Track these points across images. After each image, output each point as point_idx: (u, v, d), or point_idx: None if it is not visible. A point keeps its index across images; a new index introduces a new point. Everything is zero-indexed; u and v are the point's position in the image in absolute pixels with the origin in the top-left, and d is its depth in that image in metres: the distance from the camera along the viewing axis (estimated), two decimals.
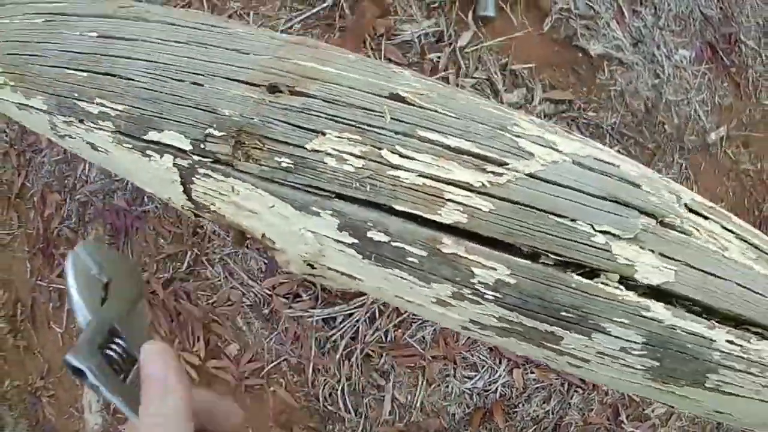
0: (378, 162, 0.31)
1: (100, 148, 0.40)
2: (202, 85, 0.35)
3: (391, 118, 0.32)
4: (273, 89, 0.33)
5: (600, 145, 0.39)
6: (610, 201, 0.36)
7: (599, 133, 1.05)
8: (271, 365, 1.06)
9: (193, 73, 0.36)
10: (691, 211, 0.40)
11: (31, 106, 0.43)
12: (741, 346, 0.31)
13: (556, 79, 1.06)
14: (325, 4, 1.08)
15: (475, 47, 1.04)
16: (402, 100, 0.33)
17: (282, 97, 0.33)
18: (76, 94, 0.41)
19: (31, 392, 1.27)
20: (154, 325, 1.10)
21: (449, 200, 0.31)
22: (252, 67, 0.35)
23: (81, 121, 0.40)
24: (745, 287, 0.33)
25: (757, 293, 0.32)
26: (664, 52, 1.13)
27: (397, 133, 0.32)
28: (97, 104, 0.39)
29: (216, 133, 0.33)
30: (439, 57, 1.04)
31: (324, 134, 0.32)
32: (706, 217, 0.40)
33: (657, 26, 1.14)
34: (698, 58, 1.16)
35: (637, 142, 1.07)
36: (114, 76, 0.40)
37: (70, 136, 0.42)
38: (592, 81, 1.07)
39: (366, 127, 0.32)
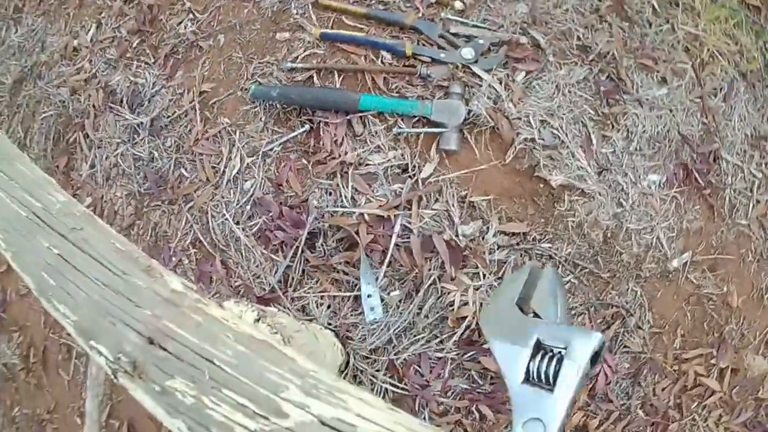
0: (202, 403, 0.44)
1: None
2: (115, 325, 0.50)
3: (209, 377, 0.44)
4: (150, 341, 0.47)
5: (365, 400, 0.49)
6: None
7: (552, 264, 1.10)
8: None
9: (110, 316, 0.51)
10: None
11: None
12: None
13: (514, 211, 1.11)
14: (302, 130, 1.17)
15: (437, 178, 1.11)
16: (217, 365, 0.45)
17: (154, 348, 0.47)
18: (50, 293, 0.56)
19: (38, 422, 1.45)
20: None
21: None
22: (140, 320, 0.50)
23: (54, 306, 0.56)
24: None
25: None
26: (630, 178, 1.14)
27: (212, 387, 0.44)
28: (62, 307, 0.55)
29: (124, 358, 0.48)
30: (401, 188, 1.11)
31: (173, 377, 0.45)
32: None
33: (627, 151, 1.15)
34: (669, 182, 1.16)
35: (591, 272, 1.11)
36: (68, 293, 0.55)
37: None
38: (550, 212, 1.11)
39: (196, 379, 0.45)
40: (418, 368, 1.08)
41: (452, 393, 1.09)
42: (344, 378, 1.09)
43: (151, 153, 1.27)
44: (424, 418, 1.10)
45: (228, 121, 1.24)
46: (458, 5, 1.23)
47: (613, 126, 1.16)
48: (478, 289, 1.07)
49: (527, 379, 0.35)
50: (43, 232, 0.58)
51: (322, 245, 1.10)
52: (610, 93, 1.20)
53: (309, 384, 0.43)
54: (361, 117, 1.14)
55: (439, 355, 1.08)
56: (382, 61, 1.18)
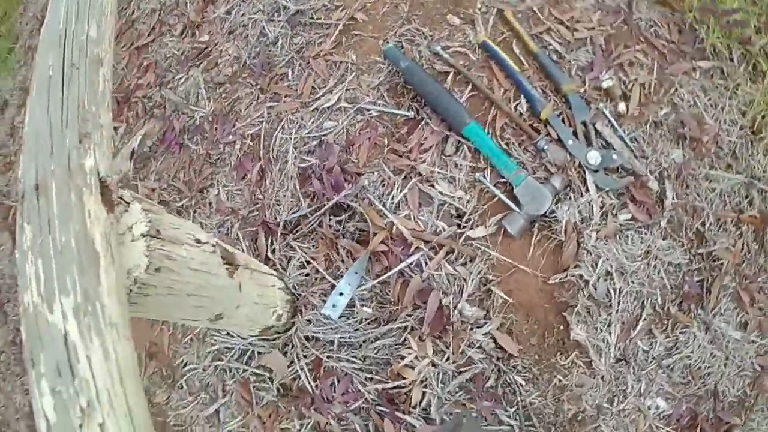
0: (26, 256, 0.51)
1: None
2: (36, 156, 0.58)
3: (40, 244, 0.51)
4: (36, 187, 0.54)
5: None
6: None
7: (508, 399, 1.03)
8: None
9: (38, 146, 0.58)
10: None
11: None
12: None
13: (520, 329, 1.04)
14: (405, 113, 1.13)
15: (479, 246, 1.05)
16: (50, 240, 0.51)
17: (33, 195, 0.55)
18: (29, 98, 0.63)
19: None
20: None
21: None
22: (43, 165, 0.56)
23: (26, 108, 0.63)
24: None
25: None
26: (641, 388, 1.04)
27: (35, 249, 0.52)
28: (28, 116, 0.61)
29: (29, 182, 0.56)
30: (443, 229, 1.05)
31: (29, 224, 0.54)
32: None
33: (659, 363, 1.05)
34: (670, 419, 1.05)
35: None
36: (36, 110, 0.60)
37: None
38: (548, 356, 1.03)
39: (35, 236, 0.53)
40: (336, 383, 1.06)
41: (344, 424, 1.06)
42: (274, 340, 1.08)
43: (277, 39, 1.27)
44: (304, 424, 1.08)
45: (354, 59, 1.21)
46: (621, 108, 1.13)
47: (665, 329, 1.05)
48: (434, 366, 1.02)
49: None
50: (55, 50, 0.62)
51: (341, 221, 1.08)
52: (689, 298, 1.08)
53: (84, 306, 0.47)
54: (459, 140, 1.08)
55: (360, 388, 1.05)
56: (516, 107, 1.11)
